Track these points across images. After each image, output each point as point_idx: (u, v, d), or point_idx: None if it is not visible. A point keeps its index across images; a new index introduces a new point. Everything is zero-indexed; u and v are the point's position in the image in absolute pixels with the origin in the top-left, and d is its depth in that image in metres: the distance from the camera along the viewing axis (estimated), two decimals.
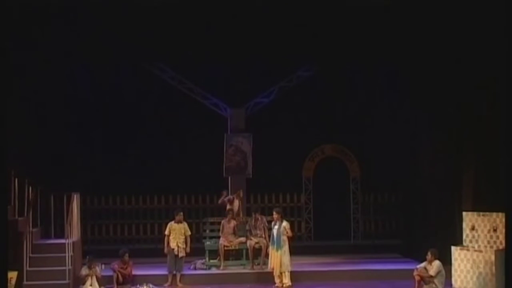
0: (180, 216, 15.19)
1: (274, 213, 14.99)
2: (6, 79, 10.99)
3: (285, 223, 14.79)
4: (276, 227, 14.78)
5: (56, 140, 17.79)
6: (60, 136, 18.00)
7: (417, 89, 17.04)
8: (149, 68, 18.05)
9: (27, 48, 15.04)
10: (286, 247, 14.62)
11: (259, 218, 16.02)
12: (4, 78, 10.78)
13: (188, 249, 15.08)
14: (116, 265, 14.66)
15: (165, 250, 15.05)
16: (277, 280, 14.71)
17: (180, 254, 14.95)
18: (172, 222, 15.22)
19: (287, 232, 14.65)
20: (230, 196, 16.94)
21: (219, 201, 17.30)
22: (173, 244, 14.98)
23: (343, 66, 17.89)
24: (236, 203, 16.78)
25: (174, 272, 14.99)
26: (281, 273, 14.63)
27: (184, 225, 15.23)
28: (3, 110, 10.55)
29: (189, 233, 15.25)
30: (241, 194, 17.20)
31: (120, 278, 14.53)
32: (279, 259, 14.60)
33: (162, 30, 15.88)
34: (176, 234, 15.05)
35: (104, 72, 17.90)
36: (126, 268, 14.68)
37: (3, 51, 10.77)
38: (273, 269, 14.74)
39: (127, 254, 14.77)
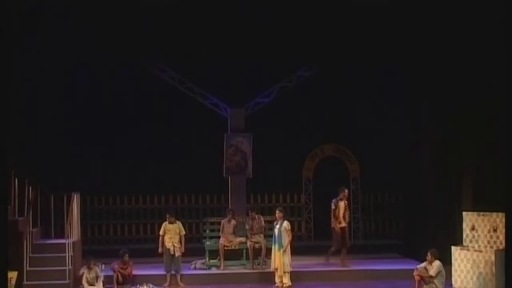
0: (171, 218, 15.19)
1: (277, 212, 14.99)
2: (6, 79, 10.99)
3: (285, 223, 14.80)
4: (278, 226, 14.79)
5: (56, 140, 17.78)
6: (60, 136, 17.99)
7: (417, 89, 17.04)
8: (149, 68, 18.04)
9: (27, 48, 15.04)
10: (287, 245, 14.62)
11: (257, 218, 16.03)
12: (4, 78, 10.78)
13: (182, 249, 15.08)
14: (116, 265, 14.67)
15: (159, 250, 15.07)
16: (277, 280, 14.71)
17: (176, 254, 14.97)
18: (166, 222, 15.23)
19: (287, 233, 14.65)
20: (334, 200, 16.18)
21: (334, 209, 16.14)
22: (168, 244, 15.00)
23: (343, 66, 17.87)
24: (342, 204, 16.20)
25: (172, 272, 15.00)
26: (283, 272, 14.63)
27: (179, 225, 15.25)
28: (3, 110, 10.55)
29: (184, 232, 15.25)
30: (346, 194, 16.38)
31: (120, 278, 14.54)
32: (281, 259, 14.60)
33: (162, 30, 15.87)
34: (171, 234, 15.07)
35: (104, 72, 17.88)
36: (126, 268, 14.69)
37: (3, 52, 10.77)
38: (275, 268, 14.73)
39: (127, 255, 14.78)
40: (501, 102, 12.30)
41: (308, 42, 16.49)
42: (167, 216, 15.32)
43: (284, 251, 14.57)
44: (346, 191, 16.34)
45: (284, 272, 14.64)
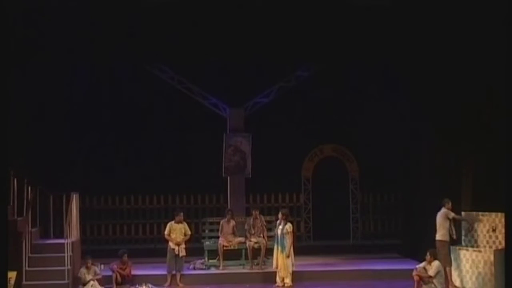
0: (180, 216, 15.23)
1: (280, 214, 14.97)
2: (6, 79, 10.99)
3: (288, 226, 14.80)
4: (281, 227, 14.78)
5: (55, 140, 17.78)
6: (59, 136, 17.99)
7: (417, 89, 17.03)
8: (149, 68, 18.04)
9: (26, 48, 15.03)
10: (289, 248, 14.63)
11: (258, 217, 16.03)
12: (4, 78, 10.78)
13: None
14: (115, 265, 14.67)
15: (170, 244, 14.99)
16: (278, 280, 14.71)
17: (181, 254, 14.97)
18: (172, 222, 15.25)
19: (289, 235, 14.65)
20: (445, 212, 14.27)
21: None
22: (173, 244, 14.99)
23: (342, 66, 17.86)
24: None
25: (174, 272, 14.99)
26: (285, 274, 14.64)
27: (184, 225, 15.29)
28: (3, 110, 10.55)
29: (189, 233, 15.31)
30: (450, 206, 14.38)
31: (119, 278, 14.53)
32: (283, 260, 14.60)
33: (162, 30, 15.87)
34: (177, 234, 15.09)
35: (103, 72, 17.89)
36: (125, 268, 14.68)
37: (4, 53, 10.78)
38: (276, 268, 14.73)
39: (126, 255, 14.78)
40: (500, 102, 12.31)
41: (307, 42, 16.49)
42: (176, 215, 15.30)
43: (288, 256, 14.58)
44: (450, 202, 14.44)
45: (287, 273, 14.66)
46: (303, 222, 20.05)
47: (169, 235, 15.13)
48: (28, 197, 14.40)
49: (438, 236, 14.20)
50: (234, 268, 15.85)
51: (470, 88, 14.93)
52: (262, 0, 15.35)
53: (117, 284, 14.53)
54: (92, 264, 14.29)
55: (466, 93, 15.04)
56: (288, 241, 14.60)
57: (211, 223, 16.86)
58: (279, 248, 14.68)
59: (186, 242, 15.19)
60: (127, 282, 14.62)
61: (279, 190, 19.85)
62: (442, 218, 14.21)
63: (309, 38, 16.35)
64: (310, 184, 20.14)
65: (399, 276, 14.82)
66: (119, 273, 14.56)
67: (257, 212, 16.16)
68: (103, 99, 18.54)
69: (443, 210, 14.26)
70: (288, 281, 14.66)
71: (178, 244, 14.99)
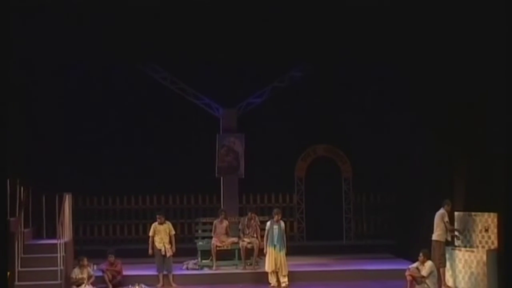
0: (161, 218, 15.15)
1: (276, 215, 14.93)
2: (5, 78, 10.97)
3: (283, 224, 14.86)
4: (276, 227, 14.78)
5: (48, 140, 17.74)
6: (53, 136, 17.95)
7: (410, 90, 17.05)
8: (142, 68, 18.02)
9: (23, 49, 15.00)
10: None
11: (253, 218, 16.03)
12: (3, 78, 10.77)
13: (174, 249, 15.05)
14: (104, 266, 14.67)
15: (150, 251, 15.02)
16: (272, 280, 14.71)
17: (168, 254, 14.93)
18: (156, 223, 15.20)
19: (285, 234, 14.68)
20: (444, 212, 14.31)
21: None
22: (159, 245, 14.96)
23: (335, 66, 17.86)
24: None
25: (164, 272, 14.97)
26: (286, 272, 14.66)
27: (169, 225, 15.23)
28: (2, 112, 10.53)
29: (173, 232, 15.23)
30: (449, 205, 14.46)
31: (110, 276, 14.52)
32: (282, 260, 14.61)
33: (155, 30, 15.85)
34: (162, 234, 15.04)
35: (97, 72, 17.85)
36: (115, 266, 14.66)
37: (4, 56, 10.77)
38: (276, 270, 14.71)
39: (112, 256, 14.75)
40: (494, 103, 12.32)
41: (301, 42, 16.49)
42: (157, 216, 15.29)
43: (286, 253, 14.61)
44: (451, 205, 14.47)
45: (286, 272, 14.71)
46: (296, 222, 20.05)
47: (153, 236, 15.08)
48: (21, 198, 14.37)
49: (434, 236, 14.21)
50: (227, 268, 15.85)
51: (464, 88, 14.94)
52: (255, 0, 15.34)
53: (109, 282, 14.52)
54: (87, 264, 14.26)
55: (460, 94, 15.05)
56: (286, 238, 14.67)
57: (204, 223, 16.84)
58: (277, 246, 14.67)
59: (171, 242, 15.04)
60: (119, 280, 14.60)
61: (272, 190, 19.86)
62: (439, 219, 14.21)
63: (303, 39, 16.34)
64: (303, 184, 20.15)
65: (392, 276, 14.84)
66: (109, 271, 14.55)
67: (254, 214, 16.13)
68: (96, 99, 18.48)
69: (441, 210, 14.29)
70: (285, 280, 14.68)
71: (164, 245, 14.93)
